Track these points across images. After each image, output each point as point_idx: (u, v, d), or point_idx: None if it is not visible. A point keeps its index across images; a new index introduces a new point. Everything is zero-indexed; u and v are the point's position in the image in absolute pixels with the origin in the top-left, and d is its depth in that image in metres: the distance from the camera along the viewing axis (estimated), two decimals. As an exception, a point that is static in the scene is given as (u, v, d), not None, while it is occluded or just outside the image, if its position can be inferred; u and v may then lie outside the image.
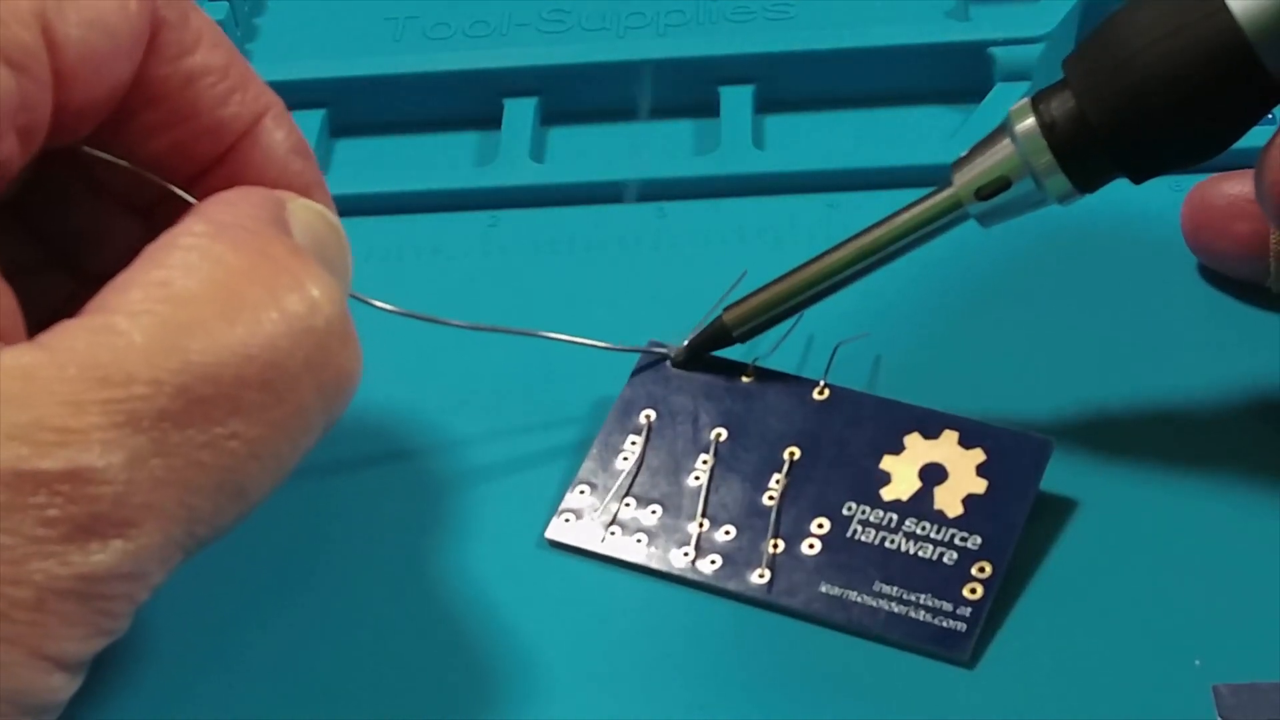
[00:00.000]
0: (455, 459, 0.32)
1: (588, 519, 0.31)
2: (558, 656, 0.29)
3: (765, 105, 0.39)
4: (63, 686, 0.21)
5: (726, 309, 0.32)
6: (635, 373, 0.32)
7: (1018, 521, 0.29)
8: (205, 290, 0.22)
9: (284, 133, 0.27)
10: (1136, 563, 0.29)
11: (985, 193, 0.29)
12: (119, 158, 0.26)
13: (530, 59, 0.40)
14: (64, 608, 0.21)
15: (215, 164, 0.26)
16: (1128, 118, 0.27)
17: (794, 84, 0.39)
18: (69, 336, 0.22)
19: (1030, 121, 0.28)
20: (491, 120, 0.40)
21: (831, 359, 0.32)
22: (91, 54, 0.23)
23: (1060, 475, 0.30)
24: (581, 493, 0.31)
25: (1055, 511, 0.29)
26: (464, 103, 0.40)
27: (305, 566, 0.30)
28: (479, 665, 0.29)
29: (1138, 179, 0.28)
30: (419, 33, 0.42)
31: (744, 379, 0.32)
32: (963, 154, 0.29)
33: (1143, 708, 0.27)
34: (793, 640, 0.28)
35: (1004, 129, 0.29)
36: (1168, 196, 0.34)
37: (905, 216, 0.30)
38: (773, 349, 0.32)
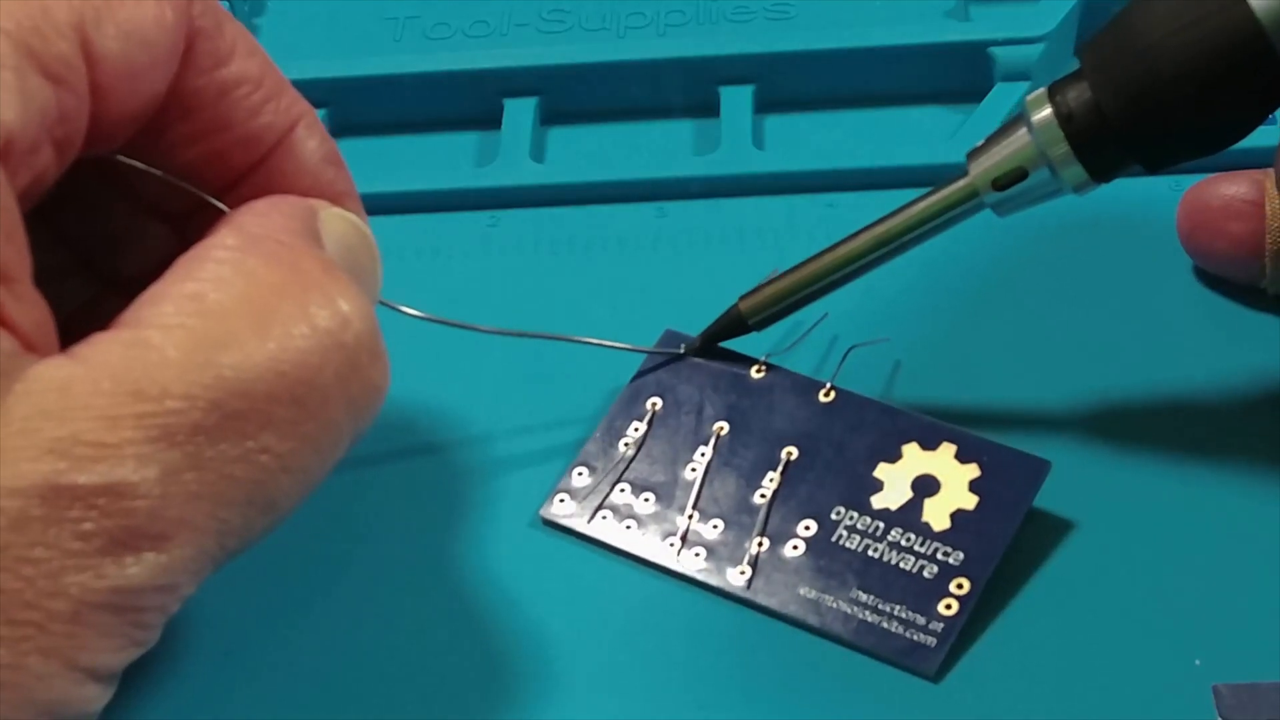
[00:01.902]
0: (469, 448, 0.32)
1: (581, 500, 0.31)
2: (541, 636, 0.29)
3: (765, 105, 0.39)
4: (96, 697, 0.22)
5: (742, 298, 0.32)
6: (647, 360, 0.33)
7: (1003, 540, 0.29)
8: (237, 304, 0.23)
9: (316, 141, 0.27)
10: (1135, 563, 0.29)
11: (1002, 183, 0.29)
12: (152, 166, 0.26)
13: (530, 59, 0.40)
14: (99, 620, 0.21)
15: (248, 172, 0.26)
16: (1144, 109, 0.27)
17: (794, 84, 0.39)
18: (103, 350, 0.22)
19: (1047, 112, 0.28)
20: (491, 120, 0.40)
21: (842, 362, 0.32)
22: (129, 66, 0.23)
23: (1059, 493, 0.29)
24: (580, 474, 0.31)
25: (1052, 530, 0.29)
26: (464, 103, 0.40)
27: (317, 556, 0.31)
28: (469, 644, 0.29)
29: (1153, 169, 0.28)
30: (419, 33, 0.42)
31: (754, 374, 0.32)
32: (978, 144, 0.30)
33: (1143, 708, 0.27)
34: (770, 639, 0.29)
35: (1020, 119, 0.29)
36: (1167, 196, 0.34)
37: (921, 206, 0.30)
38: (790, 347, 0.32)
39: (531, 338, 0.32)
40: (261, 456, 0.22)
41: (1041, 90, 0.29)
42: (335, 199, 0.27)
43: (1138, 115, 0.27)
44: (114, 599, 0.21)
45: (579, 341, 0.32)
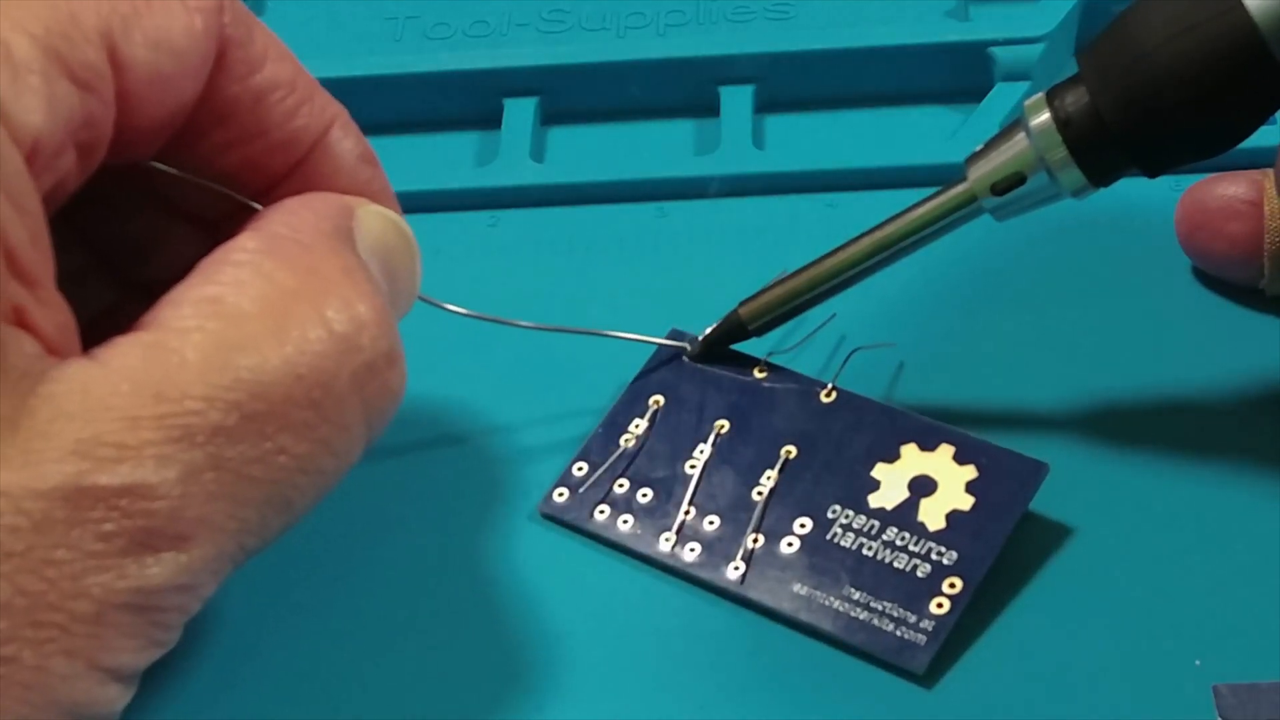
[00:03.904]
0: (470, 442, 0.32)
1: (580, 495, 0.31)
2: (537, 629, 0.29)
3: (765, 105, 0.39)
4: (117, 698, 0.22)
5: (742, 303, 0.32)
6: (652, 357, 0.33)
7: (997, 541, 0.28)
8: (255, 307, 0.23)
9: (352, 141, 0.27)
10: (1135, 563, 0.29)
11: (1000, 188, 0.29)
12: (189, 172, 0.26)
13: (530, 59, 0.40)
14: (121, 620, 0.21)
15: (286, 176, 0.26)
16: (1142, 114, 0.27)
17: (794, 84, 0.39)
18: (122, 352, 0.22)
19: (1045, 117, 0.28)
20: (491, 120, 0.40)
21: (844, 364, 0.32)
22: (157, 74, 0.24)
23: (1058, 498, 0.29)
24: (580, 469, 0.31)
25: (1050, 534, 0.29)
26: (464, 103, 0.40)
27: (314, 550, 0.31)
28: (467, 637, 0.29)
29: (1152, 173, 0.28)
30: (419, 33, 0.42)
31: (756, 374, 0.32)
32: (977, 149, 0.30)
33: (1142, 708, 0.27)
34: (764, 635, 0.29)
35: (1018, 124, 0.29)
36: (1167, 197, 0.34)
37: (920, 211, 0.30)
38: (794, 347, 0.32)
39: (561, 332, 0.32)
40: (279, 458, 0.22)
41: (1040, 95, 0.29)
42: (372, 198, 0.27)
43: (1135, 121, 0.27)
44: (136, 599, 0.21)
45: (600, 334, 0.32)
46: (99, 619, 0.21)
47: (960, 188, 0.30)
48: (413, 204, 0.37)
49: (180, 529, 0.21)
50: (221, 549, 0.22)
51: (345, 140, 0.27)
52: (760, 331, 0.32)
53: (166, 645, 0.22)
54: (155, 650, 0.22)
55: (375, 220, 0.26)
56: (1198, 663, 0.27)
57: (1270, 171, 0.32)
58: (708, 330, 0.32)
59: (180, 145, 0.26)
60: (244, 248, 0.24)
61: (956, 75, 0.39)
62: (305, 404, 0.23)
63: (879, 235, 0.30)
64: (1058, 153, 0.28)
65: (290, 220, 0.25)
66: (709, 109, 0.39)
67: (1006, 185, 0.29)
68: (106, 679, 0.21)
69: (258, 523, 0.23)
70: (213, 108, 0.25)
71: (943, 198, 0.30)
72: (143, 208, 0.28)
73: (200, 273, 0.23)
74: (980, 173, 0.29)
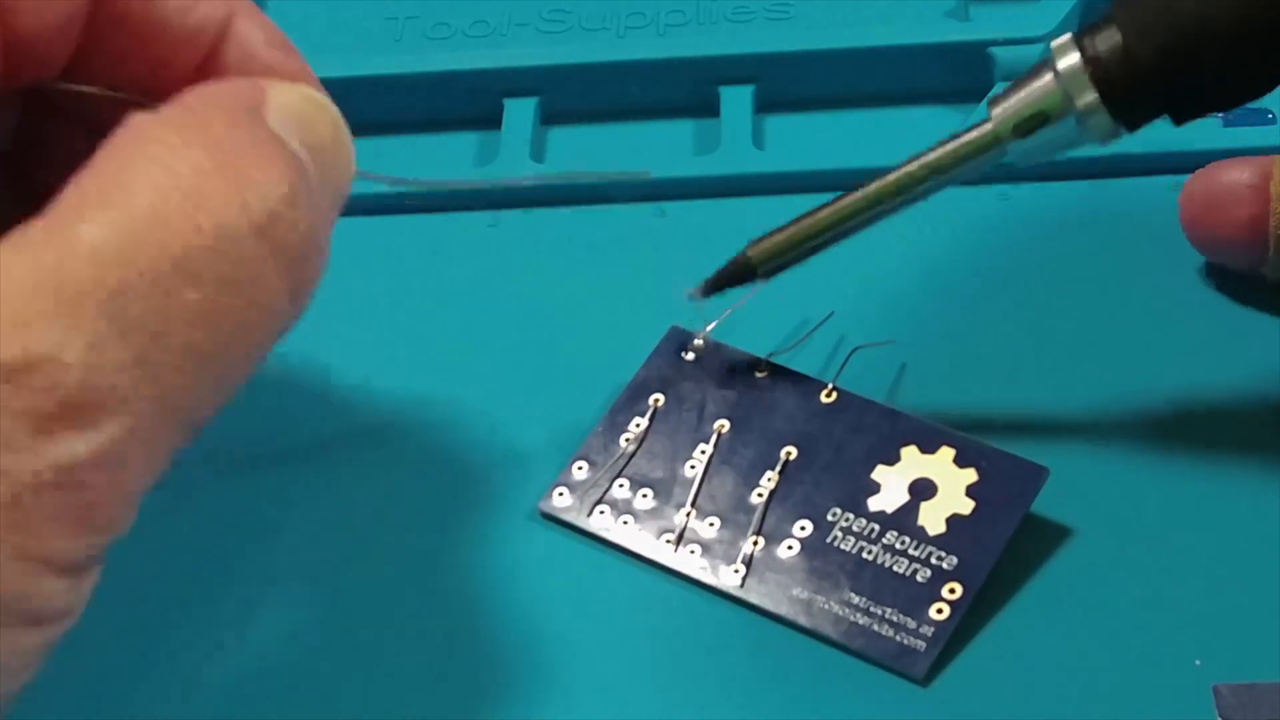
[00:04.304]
0: (471, 440, 0.32)
1: (580, 495, 0.31)
2: (535, 629, 0.29)
3: (765, 105, 0.39)
4: (63, 592, 0.21)
5: (751, 244, 0.31)
6: (653, 355, 0.33)
7: (997, 546, 0.28)
8: (146, 176, 0.22)
9: (258, 28, 0.26)
10: (1136, 564, 0.29)
11: (1024, 129, 0.28)
12: (102, 90, 0.25)
13: (530, 59, 0.40)
14: (44, 503, 0.20)
15: (197, 75, 0.26)
16: (1177, 56, 0.27)
17: (794, 84, 0.39)
18: (12, 239, 0.21)
19: (1074, 56, 0.27)
20: (491, 120, 0.40)
21: (845, 363, 0.32)
22: None
23: (1059, 499, 0.29)
24: (580, 468, 0.31)
25: (1050, 535, 0.29)
26: (464, 103, 0.40)
27: (314, 546, 0.31)
28: (464, 635, 0.29)
29: (1180, 119, 0.28)
30: (419, 33, 0.42)
31: (757, 374, 0.32)
32: (999, 91, 0.29)
33: (1143, 708, 0.27)
34: (763, 638, 0.29)
35: (1045, 64, 0.28)
36: (1169, 199, 0.34)
37: (939, 153, 0.29)
38: (794, 345, 0.32)
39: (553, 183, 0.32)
40: (187, 312, 0.21)
41: (1067, 36, 0.28)
42: (290, 79, 0.26)
43: (1170, 64, 0.27)
44: (57, 477, 0.20)
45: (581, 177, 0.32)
46: (17, 503, 0.20)
47: (982, 129, 0.28)
48: (413, 204, 0.38)
49: (93, 398, 0.20)
50: (145, 417, 0.21)
51: (252, 29, 0.26)
52: (769, 275, 0.31)
53: (110, 530, 0.21)
54: (95, 535, 0.21)
55: (287, 94, 0.25)
56: (1198, 663, 0.27)
57: (1277, 157, 0.32)
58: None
59: (83, 63, 0.25)
60: (134, 126, 0.23)
61: (956, 75, 0.39)
62: (205, 251, 0.21)
63: (894, 177, 0.29)
64: (1086, 94, 0.27)
65: (188, 100, 0.24)
66: (709, 109, 0.39)
67: (1030, 127, 0.28)
68: (40, 569, 0.20)
69: (181, 387, 0.21)
70: (104, 13, 0.25)
71: (964, 139, 0.29)
72: (82, 146, 0.27)
73: (91, 160, 0.22)
74: (1004, 114, 0.28)
